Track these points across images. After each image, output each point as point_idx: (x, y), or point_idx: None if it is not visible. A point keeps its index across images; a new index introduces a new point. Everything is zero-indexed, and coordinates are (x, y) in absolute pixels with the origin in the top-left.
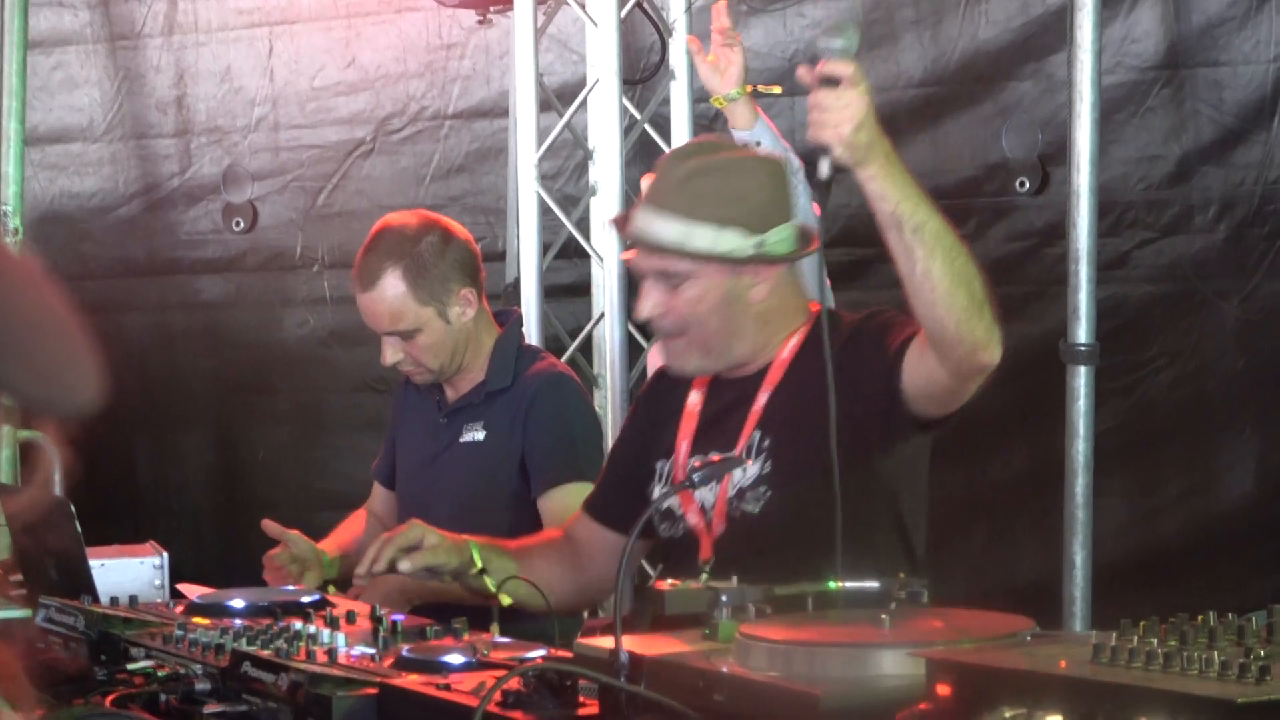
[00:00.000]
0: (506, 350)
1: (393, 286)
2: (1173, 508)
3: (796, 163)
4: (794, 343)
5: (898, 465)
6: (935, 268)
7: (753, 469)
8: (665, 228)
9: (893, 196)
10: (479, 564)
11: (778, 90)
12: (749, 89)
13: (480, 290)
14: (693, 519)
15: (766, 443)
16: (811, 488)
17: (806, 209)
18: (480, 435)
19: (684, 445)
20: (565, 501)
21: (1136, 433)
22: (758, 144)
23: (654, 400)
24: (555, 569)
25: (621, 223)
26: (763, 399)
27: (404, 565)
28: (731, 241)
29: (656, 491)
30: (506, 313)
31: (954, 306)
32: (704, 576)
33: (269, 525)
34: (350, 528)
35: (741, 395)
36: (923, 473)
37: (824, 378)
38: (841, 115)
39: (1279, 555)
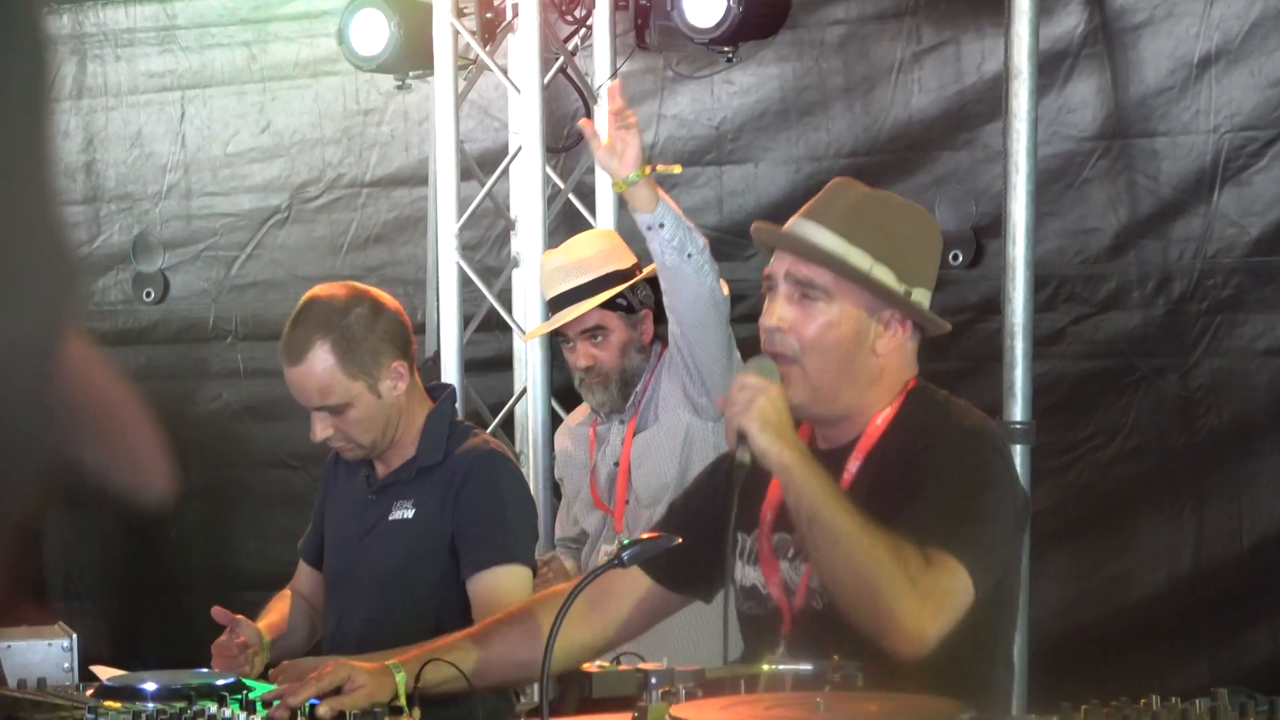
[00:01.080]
0: (438, 425)
1: (321, 360)
2: (1110, 590)
3: (702, 242)
4: (887, 414)
5: None
6: (834, 566)
7: None
8: (825, 237)
9: (796, 492)
10: (403, 697)
11: (677, 169)
12: (648, 169)
13: (412, 363)
14: (775, 595)
15: None
16: None
17: (715, 289)
18: (410, 513)
19: (769, 516)
20: (496, 586)
21: (1073, 513)
22: (660, 226)
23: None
24: (532, 636)
25: (765, 226)
26: (851, 470)
27: (323, 710)
28: (883, 278)
29: (739, 566)
30: (439, 387)
31: (854, 604)
32: (780, 650)
33: (218, 611)
34: (277, 607)
35: (830, 466)
36: (1012, 584)
37: (909, 464)
38: (748, 414)
39: (1220, 638)
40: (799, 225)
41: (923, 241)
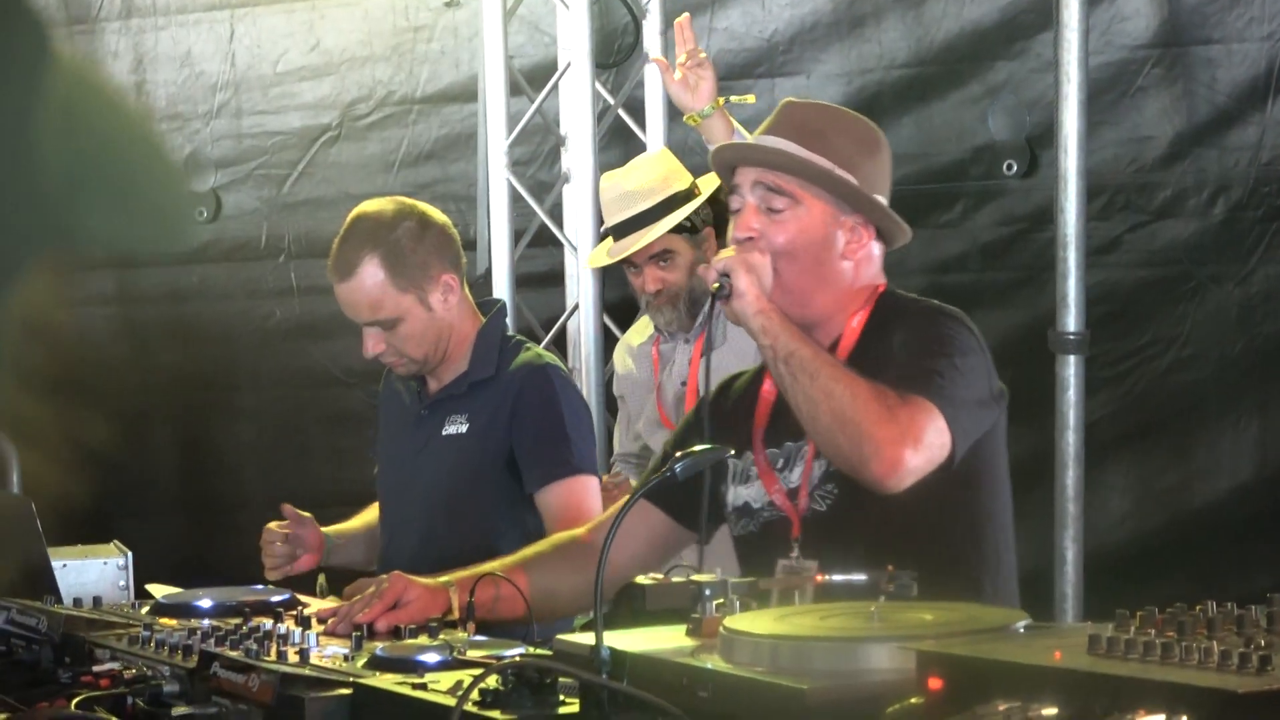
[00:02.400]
0: (490, 340)
1: (371, 275)
2: (1167, 498)
3: None
4: (861, 316)
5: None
6: (813, 400)
7: (819, 469)
8: (788, 146)
9: (774, 333)
10: (456, 612)
11: (750, 99)
12: (721, 102)
13: (462, 276)
14: (779, 501)
15: None
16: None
17: None
18: (464, 428)
19: (759, 434)
20: (564, 497)
21: (1129, 423)
22: None
23: (724, 398)
24: (572, 576)
25: (730, 142)
26: None
27: (379, 625)
28: (846, 178)
29: (731, 489)
30: (489, 302)
31: (833, 435)
32: (794, 555)
33: (287, 509)
34: (365, 516)
35: None
36: (997, 468)
37: (887, 363)
38: (737, 259)
39: (1277, 545)
40: (763, 139)
41: (875, 151)
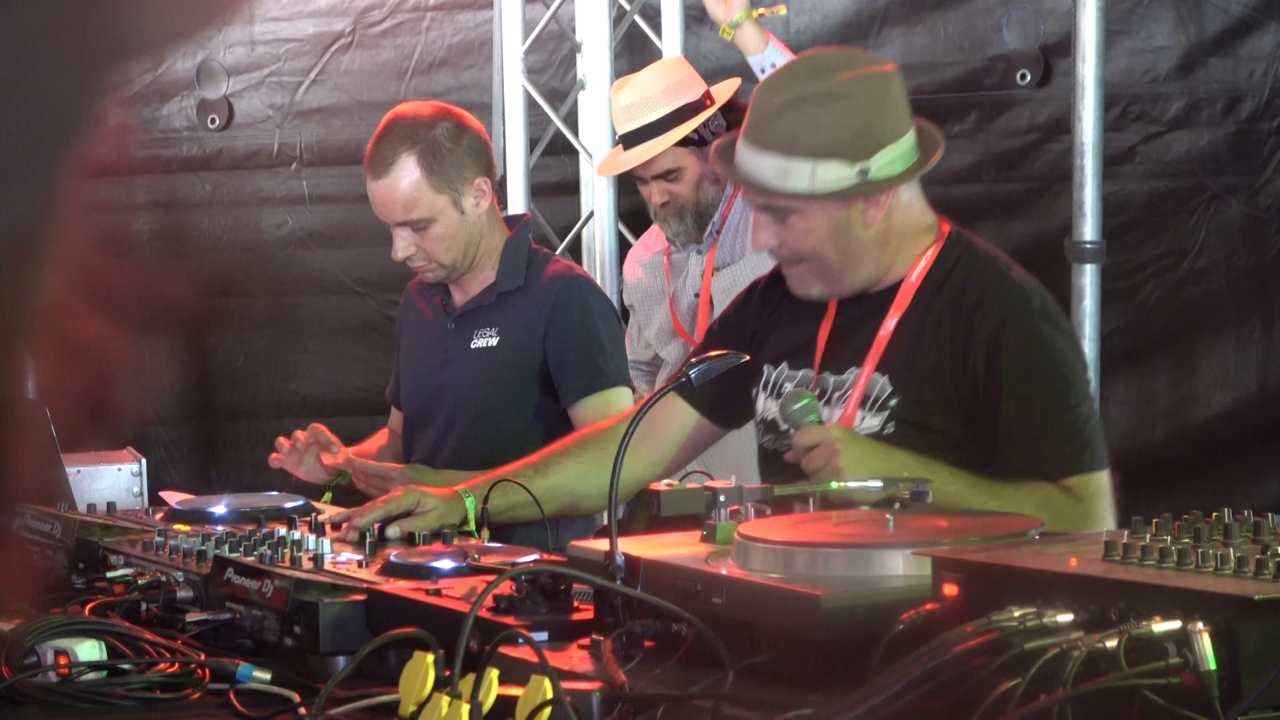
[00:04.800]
0: (518, 251)
1: (407, 173)
2: (1180, 410)
3: None
4: (923, 265)
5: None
6: None
7: (872, 423)
8: (762, 165)
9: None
10: (472, 521)
11: (783, 10)
12: (755, 13)
13: (493, 183)
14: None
15: (892, 400)
16: (929, 441)
17: None
18: (494, 340)
19: (818, 355)
20: (601, 409)
21: (1142, 334)
22: (773, 66)
23: (771, 297)
24: (597, 468)
25: (724, 154)
26: (890, 325)
27: (392, 531)
28: (831, 173)
29: (760, 398)
30: (515, 216)
31: None
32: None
33: (316, 428)
34: (375, 440)
35: (868, 314)
36: None
37: (954, 320)
38: (830, 469)
39: None
40: (742, 154)
41: (864, 108)
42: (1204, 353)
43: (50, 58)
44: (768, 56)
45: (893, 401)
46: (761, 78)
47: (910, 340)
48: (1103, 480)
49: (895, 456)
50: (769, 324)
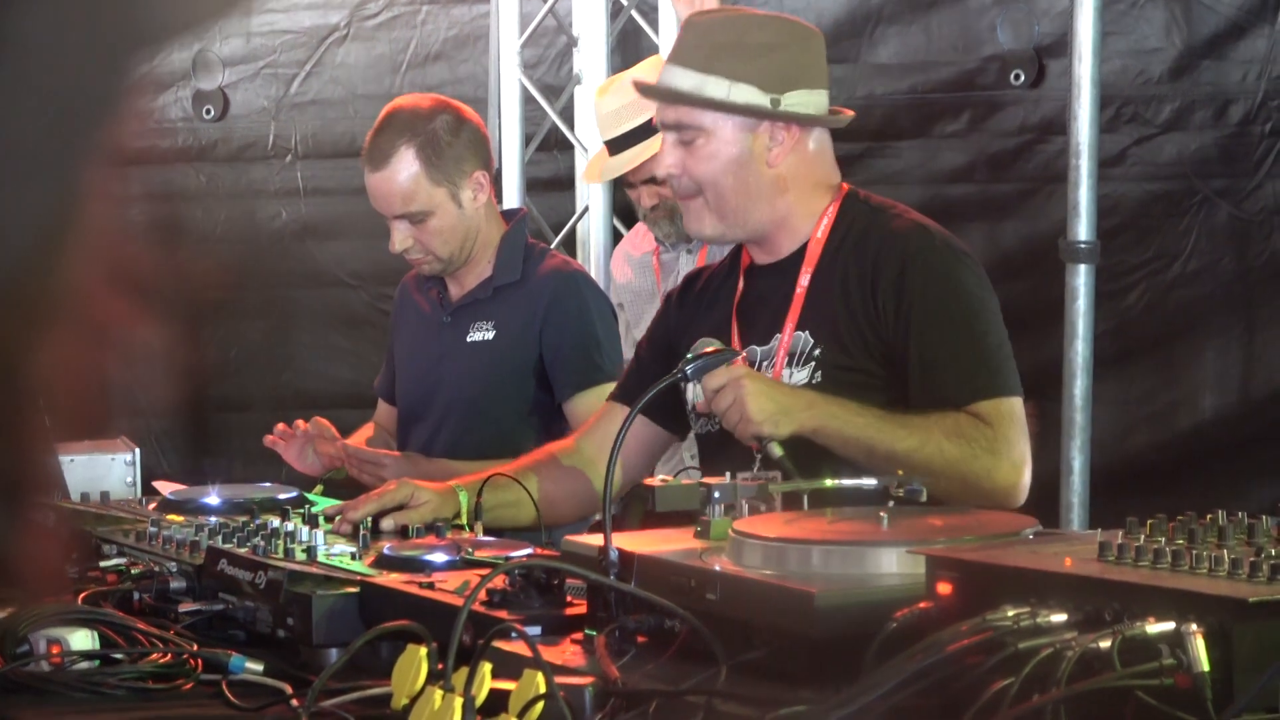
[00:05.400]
0: (514, 245)
1: (406, 166)
2: (1170, 414)
3: None
4: (825, 222)
5: None
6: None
7: (800, 375)
8: (681, 78)
9: (841, 440)
10: (465, 517)
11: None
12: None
13: (491, 176)
14: None
15: (815, 350)
16: (858, 383)
17: None
18: (490, 334)
19: (733, 332)
20: (596, 404)
21: (1132, 337)
22: None
23: (688, 294)
24: (561, 485)
25: (640, 80)
26: (804, 281)
27: (386, 523)
28: (745, 96)
29: (690, 388)
30: (512, 210)
31: (952, 494)
32: (756, 467)
33: (319, 422)
34: (361, 434)
35: (778, 280)
36: None
37: (859, 270)
38: (737, 406)
39: (1275, 464)
40: (663, 74)
41: (786, 45)
42: (1193, 356)
43: (76, 43)
44: None
45: (816, 351)
46: None
47: (823, 293)
48: (1014, 405)
49: (801, 395)
50: (685, 322)
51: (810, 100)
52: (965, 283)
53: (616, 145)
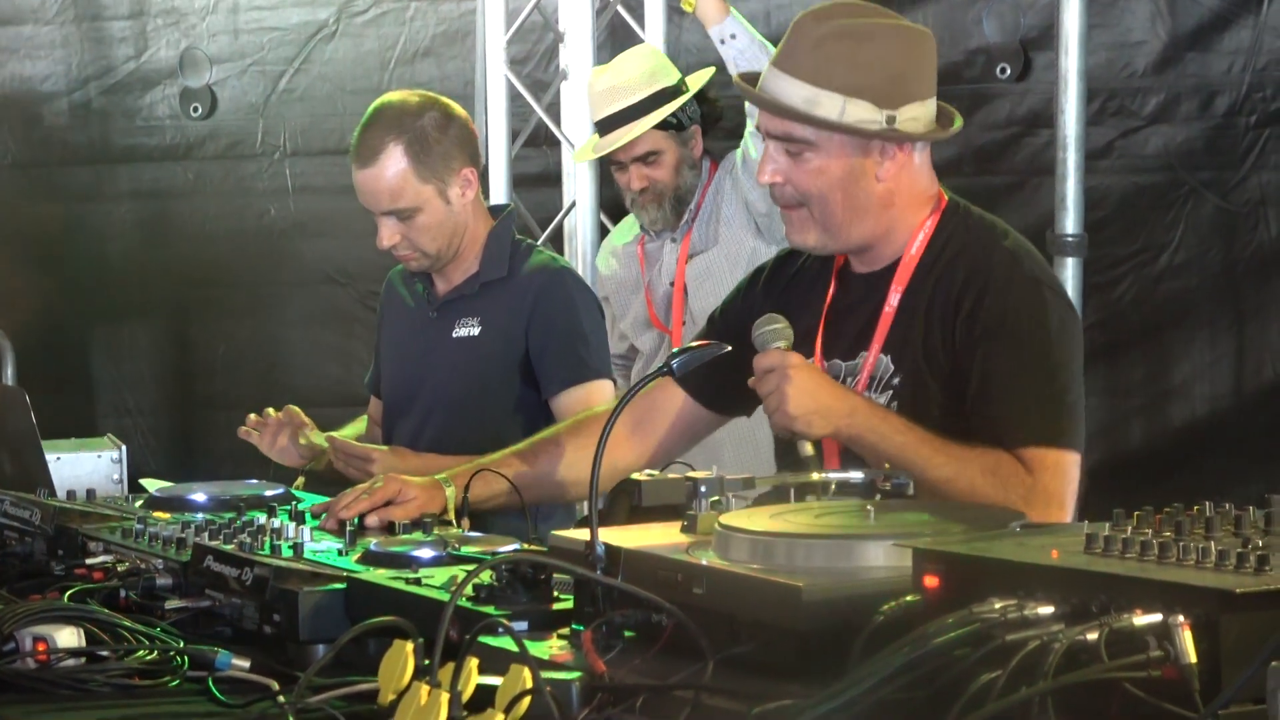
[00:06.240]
0: (501, 241)
1: (394, 162)
2: (1156, 407)
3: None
4: (921, 238)
5: None
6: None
7: (879, 400)
8: (791, 90)
9: (875, 453)
10: (451, 510)
11: None
12: None
13: (479, 173)
14: None
15: (895, 379)
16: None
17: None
18: (475, 330)
19: (818, 342)
20: (583, 401)
21: (1119, 329)
22: (732, 37)
23: (778, 279)
24: (579, 454)
25: (749, 80)
26: (893, 301)
27: (372, 521)
28: (859, 113)
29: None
30: (499, 206)
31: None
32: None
33: (290, 409)
34: (352, 428)
35: (869, 293)
36: None
37: (945, 295)
38: (777, 395)
39: (1263, 455)
40: (770, 79)
41: (901, 57)
42: (1180, 348)
43: None
44: (727, 27)
45: (895, 380)
46: (721, 49)
47: (909, 317)
48: (1063, 459)
49: (847, 399)
50: (770, 309)
51: (922, 113)
52: (1046, 322)
53: (608, 125)
